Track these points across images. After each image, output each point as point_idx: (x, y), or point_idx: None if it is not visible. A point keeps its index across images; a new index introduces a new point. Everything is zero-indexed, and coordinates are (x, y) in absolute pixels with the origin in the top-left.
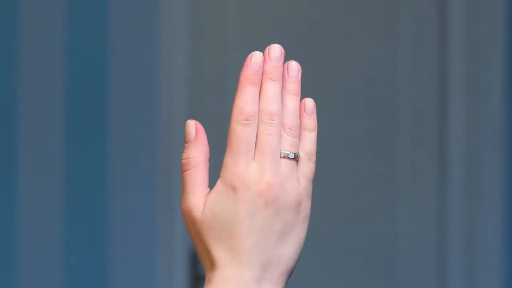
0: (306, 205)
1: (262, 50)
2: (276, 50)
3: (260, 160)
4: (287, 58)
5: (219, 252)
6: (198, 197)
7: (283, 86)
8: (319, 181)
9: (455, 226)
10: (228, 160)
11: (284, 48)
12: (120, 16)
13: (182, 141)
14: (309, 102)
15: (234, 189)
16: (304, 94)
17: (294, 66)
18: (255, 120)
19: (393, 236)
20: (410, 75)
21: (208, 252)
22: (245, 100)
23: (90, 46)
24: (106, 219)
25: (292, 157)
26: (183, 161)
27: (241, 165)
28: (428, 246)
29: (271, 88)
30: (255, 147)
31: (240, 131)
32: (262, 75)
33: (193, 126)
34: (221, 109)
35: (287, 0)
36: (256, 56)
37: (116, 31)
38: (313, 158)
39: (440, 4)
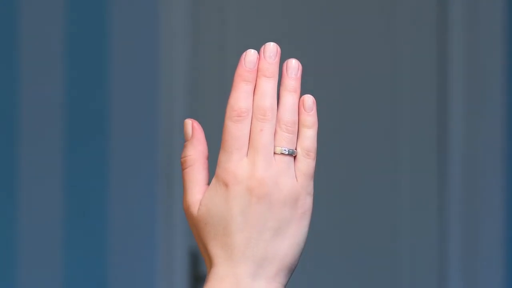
0: (305, 201)
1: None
2: (270, 48)
3: (252, 156)
4: (287, 57)
5: (214, 249)
6: (196, 195)
7: (281, 84)
8: (318, 180)
9: (455, 226)
10: (221, 156)
11: (283, 47)
12: (120, 16)
13: (182, 140)
14: (308, 99)
15: (226, 185)
16: (303, 92)
17: (293, 64)
18: (247, 116)
19: (393, 236)
20: (410, 74)
21: (205, 249)
22: (237, 97)
23: (90, 46)
24: (106, 219)
25: (286, 153)
26: (181, 159)
27: (233, 161)
28: (428, 246)
29: (264, 85)
30: (248, 144)
31: (232, 127)
32: (257, 72)
33: (189, 125)
34: (221, 109)
35: (287, 0)
36: (250, 54)
37: (116, 31)
38: (312, 154)
39: (440, 5)
